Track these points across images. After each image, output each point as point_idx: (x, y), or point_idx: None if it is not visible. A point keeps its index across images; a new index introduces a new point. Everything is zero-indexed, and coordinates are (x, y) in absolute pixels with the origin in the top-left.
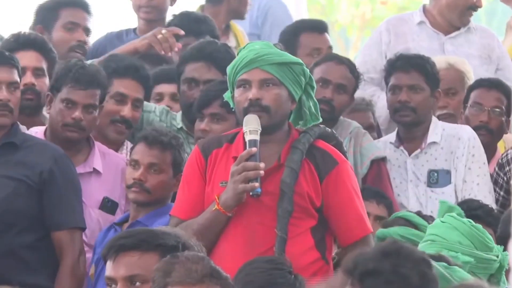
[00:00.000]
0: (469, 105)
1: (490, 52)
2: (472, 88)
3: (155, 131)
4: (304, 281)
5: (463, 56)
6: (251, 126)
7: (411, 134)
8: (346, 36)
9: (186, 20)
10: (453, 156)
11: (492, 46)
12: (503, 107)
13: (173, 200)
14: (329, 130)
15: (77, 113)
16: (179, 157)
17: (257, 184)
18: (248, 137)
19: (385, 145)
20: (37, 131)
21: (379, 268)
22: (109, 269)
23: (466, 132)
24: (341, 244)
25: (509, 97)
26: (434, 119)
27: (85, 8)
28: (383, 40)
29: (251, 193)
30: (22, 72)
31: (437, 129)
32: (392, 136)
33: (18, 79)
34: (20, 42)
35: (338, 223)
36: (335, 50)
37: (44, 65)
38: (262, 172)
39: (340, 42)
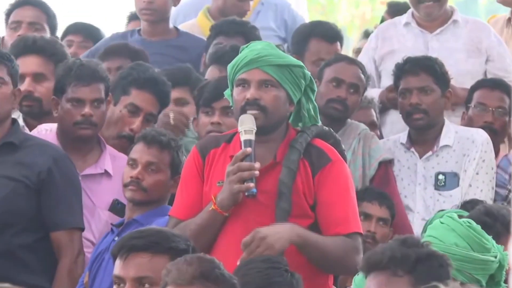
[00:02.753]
0: (472, 106)
1: (478, 44)
2: (474, 88)
3: (154, 131)
4: (301, 279)
5: (448, 51)
6: (246, 126)
7: (423, 137)
8: (346, 36)
9: (228, 23)
10: (465, 158)
11: (480, 38)
12: (506, 107)
13: (170, 202)
14: (327, 128)
15: (86, 110)
16: (177, 159)
17: (252, 185)
18: (243, 137)
19: (394, 144)
20: (47, 129)
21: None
22: (119, 268)
23: (481, 136)
24: None
25: (510, 96)
26: (446, 122)
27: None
28: (371, 46)
29: (246, 194)
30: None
31: (450, 132)
32: (403, 136)
33: (4, 77)
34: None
35: (322, 219)
36: None
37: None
38: (257, 172)
39: None
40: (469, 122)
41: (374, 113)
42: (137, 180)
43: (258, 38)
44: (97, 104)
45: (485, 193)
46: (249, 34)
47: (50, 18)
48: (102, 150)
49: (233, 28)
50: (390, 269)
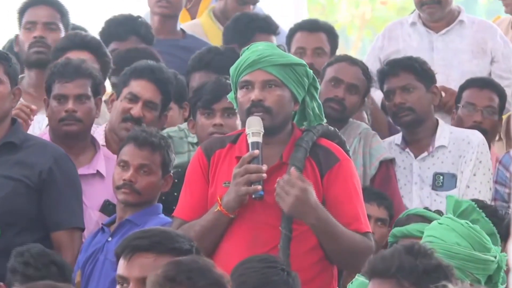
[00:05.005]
0: (461, 106)
1: (483, 45)
2: (463, 88)
3: (144, 132)
4: (298, 278)
5: (452, 51)
6: (254, 128)
7: (416, 136)
8: (346, 36)
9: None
10: (461, 160)
11: (485, 39)
12: (496, 106)
13: (159, 200)
14: (332, 128)
15: (69, 105)
16: (167, 158)
17: (259, 187)
18: (250, 139)
19: (389, 146)
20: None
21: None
22: (122, 268)
23: (477, 137)
24: None
25: (500, 95)
26: (441, 122)
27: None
28: (377, 46)
29: (253, 196)
30: None
31: (445, 132)
32: (397, 138)
33: (0, 76)
34: (76, 42)
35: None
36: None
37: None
38: (264, 175)
39: (340, 42)
40: (458, 122)
41: (365, 116)
42: (130, 183)
43: (149, 31)
44: (82, 100)
45: (483, 194)
46: (137, 26)
47: (64, 16)
48: (96, 151)
49: (123, 29)
50: (396, 278)
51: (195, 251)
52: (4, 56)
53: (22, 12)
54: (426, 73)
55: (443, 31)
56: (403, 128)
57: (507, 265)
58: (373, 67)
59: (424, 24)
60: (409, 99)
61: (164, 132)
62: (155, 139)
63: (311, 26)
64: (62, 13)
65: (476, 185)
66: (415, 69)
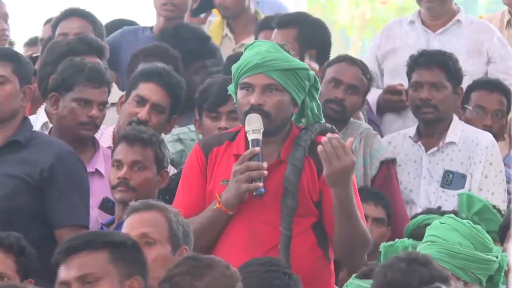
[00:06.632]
0: (471, 108)
1: (479, 45)
2: (471, 89)
3: (134, 129)
4: (299, 280)
5: (448, 51)
6: (254, 125)
7: (431, 131)
8: (346, 36)
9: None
10: (470, 161)
11: (482, 39)
12: (504, 109)
13: (162, 199)
14: (329, 126)
15: (94, 112)
16: (161, 153)
17: (261, 184)
18: (250, 136)
19: (403, 138)
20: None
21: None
22: (61, 273)
23: (486, 139)
24: (330, 239)
25: (508, 96)
26: (455, 118)
27: None
28: (375, 44)
29: (254, 193)
30: None
31: (457, 129)
32: (411, 130)
33: (7, 75)
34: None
35: (328, 217)
36: (335, 50)
37: None
38: (265, 172)
39: (340, 42)
40: (466, 123)
41: (362, 116)
42: (124, 180)
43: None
44: (102, 107)
45: (496, 196)
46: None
47: (97, 28)
48: (95, 151)
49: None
50: None
51: (132, 243)
52: (12, 55)
53: (55, 25)
54: (457, 73)
55: (440, 30)
56: (422, 123)
57: (508, 265)
58: (371, 65)
59: (423, 23)
60: (436, 96)
61: (174, 133)
62: (145, 135)
63: (277, 24)
64: (94, 24)
65: (489, 187)
66: (448, 67)
